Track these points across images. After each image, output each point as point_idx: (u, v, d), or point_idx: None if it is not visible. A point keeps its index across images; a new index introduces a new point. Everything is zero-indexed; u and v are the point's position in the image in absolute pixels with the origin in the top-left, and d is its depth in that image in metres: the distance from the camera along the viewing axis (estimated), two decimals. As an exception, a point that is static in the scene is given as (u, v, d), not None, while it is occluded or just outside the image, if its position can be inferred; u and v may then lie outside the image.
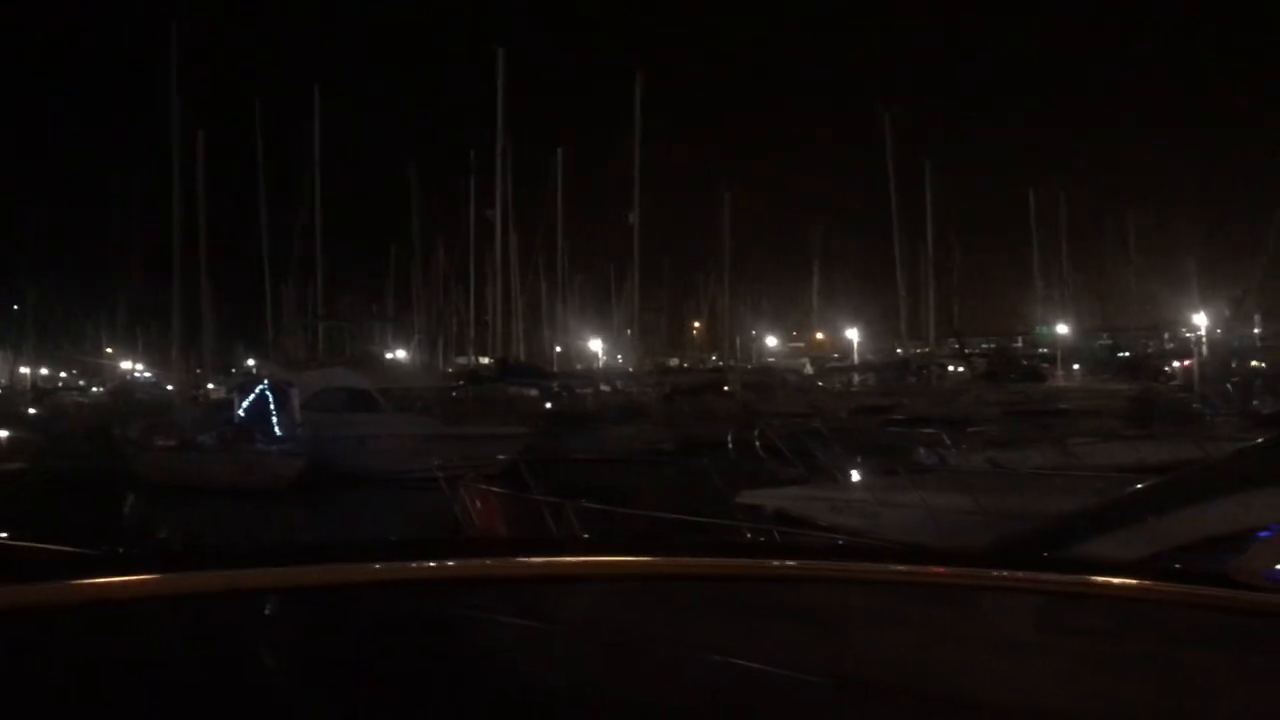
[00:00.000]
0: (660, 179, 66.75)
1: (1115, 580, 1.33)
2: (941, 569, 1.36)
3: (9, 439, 26.92)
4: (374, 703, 1.37)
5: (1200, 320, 45.02)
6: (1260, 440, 5.27)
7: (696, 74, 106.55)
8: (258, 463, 21.71)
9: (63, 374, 62.88)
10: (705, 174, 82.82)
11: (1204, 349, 40.75)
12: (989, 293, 56.22)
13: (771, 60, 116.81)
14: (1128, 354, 48.86)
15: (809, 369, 52.78)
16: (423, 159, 48.72)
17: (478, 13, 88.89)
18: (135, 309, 49.97)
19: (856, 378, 47.05)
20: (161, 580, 1.03)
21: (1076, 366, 46.07)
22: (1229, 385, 29.54)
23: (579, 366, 49.40)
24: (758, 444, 11.84)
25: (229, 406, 26.02)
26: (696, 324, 66.01)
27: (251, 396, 24.59)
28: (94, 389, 52.57)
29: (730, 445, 11.82)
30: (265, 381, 25.46)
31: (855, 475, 11.14)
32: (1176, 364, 42.87)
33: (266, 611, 1.36)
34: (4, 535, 2.72)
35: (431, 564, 1.14)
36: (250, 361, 47.93)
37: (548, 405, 32.35)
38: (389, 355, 44.68)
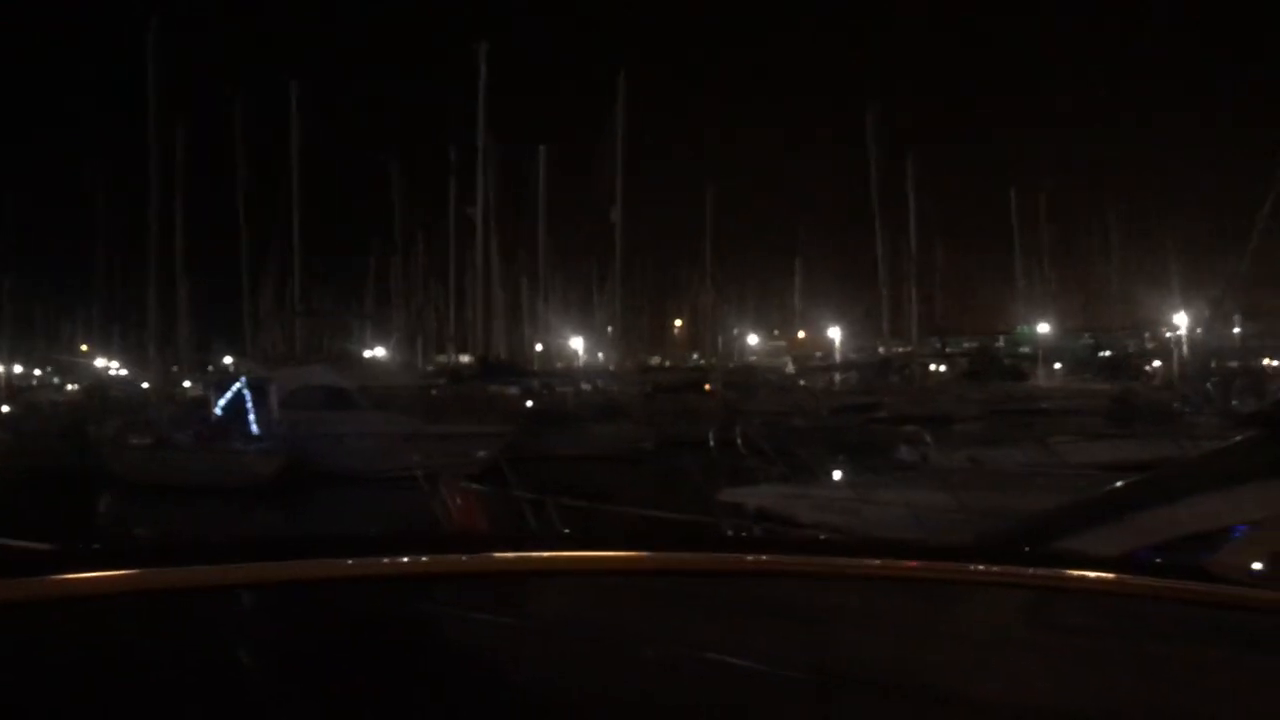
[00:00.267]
0: (642, 177, 66.72)
1: (1093, 574, 1.34)
2: (920, 564, 1.36)
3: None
4: (352, 699, 1.36)
5: (1181, 320, 45.43)
6: (1237, 438, 5.31)
7: (679, 72, 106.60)
8: (235, 461, 21.57)
9: (37, 371, 62.13)
10: (688, 172, 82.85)
11: (1184, 349, 41.12)
12: (971, 292, 56.47)
13: (755, 59, 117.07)
14: (1109, 353, 49.16)
15: (791, 367, 52.80)
16: (404, 156, 48.30)
17: (461, 9, 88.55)
18: (111, 306, 49.49)
19: (838, 376, 47.05)
20: (136, 576, 1.01)
21: (1058, 366, 46.29)
22: (1209, 385, 29.77)
23: (560, 365, 49.28)
24: (739, 442, 11.83)
25: (206, 404, 25.85)
26: (678, 322, 66.06)
27: (229, 394, 24.44)
28: (69, 387, 52.07)
29: (712, 443, 11.80)
30: (243, 379, 25.31)
31: (837, 474, 11.13)
32: (1157, 363, 43.29)
33: (243, 607, 1.35)
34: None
35: (407, 559, 1.13)
36: (227, 359, 47.70)
37: (528, 404, 32.19)
38: (368, 353, 44.54)
